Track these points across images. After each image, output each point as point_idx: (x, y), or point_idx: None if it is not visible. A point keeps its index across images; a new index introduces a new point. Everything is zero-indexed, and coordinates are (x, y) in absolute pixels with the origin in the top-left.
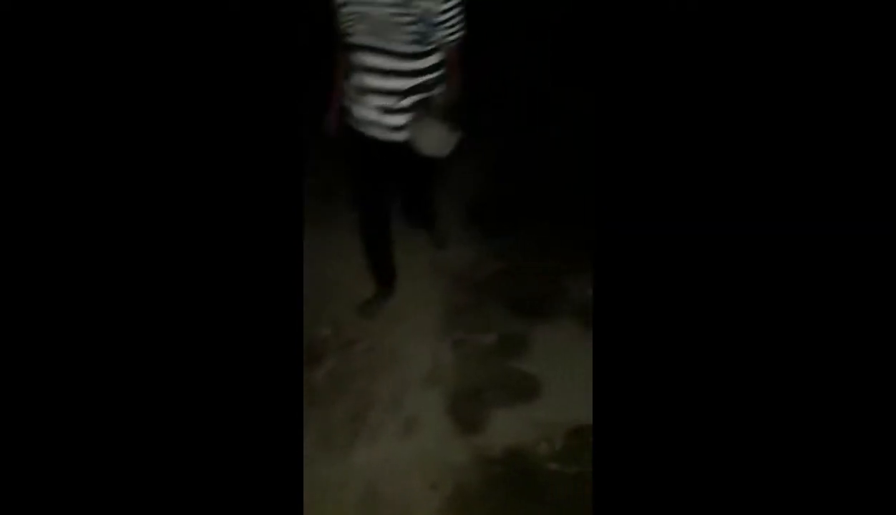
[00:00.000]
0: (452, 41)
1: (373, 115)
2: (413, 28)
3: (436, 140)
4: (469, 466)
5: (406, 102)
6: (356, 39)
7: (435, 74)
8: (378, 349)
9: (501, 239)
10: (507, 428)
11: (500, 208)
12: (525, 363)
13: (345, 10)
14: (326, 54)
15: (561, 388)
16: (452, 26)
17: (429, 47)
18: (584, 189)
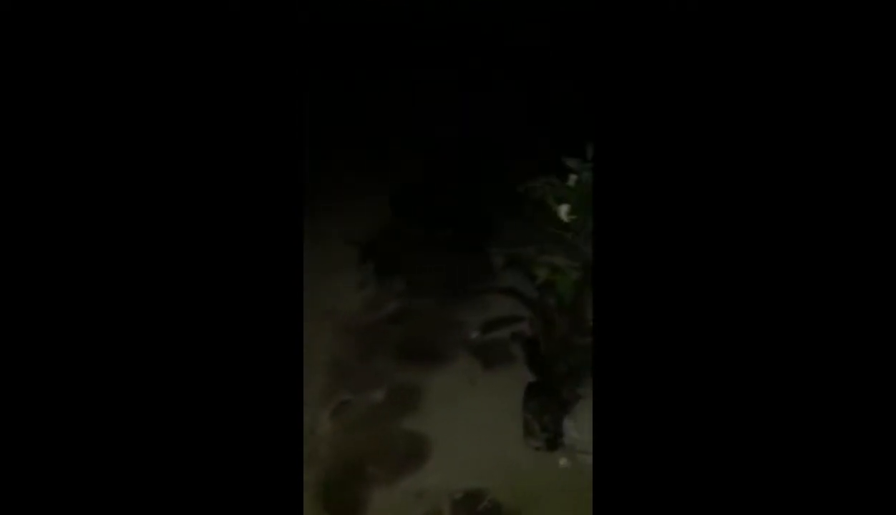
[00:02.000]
0: None
1: None
2: None
3: None
4: None
5: None
6: None
7: None
8: None
9: (396, 277)
10: (388, 506)
11: (396, 242)
12: (415, 420)
13: None
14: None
15: (452, 447)
16: None
17: None
18: (483, 216)
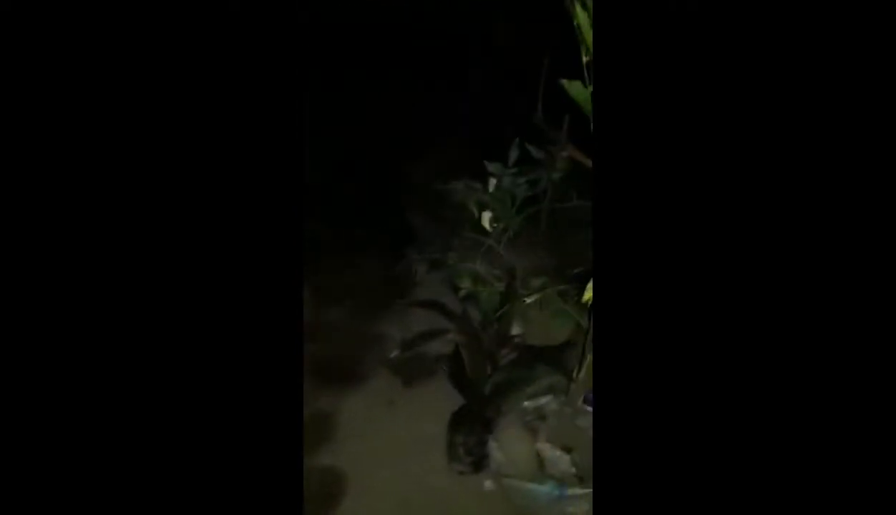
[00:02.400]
0: None
1: None
2: None
3: None
4: None
5: None
6: None
7: None
8: None
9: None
10: None
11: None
12: (329, 453)
13: None
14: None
15: (369, 480)
16: None
17: None
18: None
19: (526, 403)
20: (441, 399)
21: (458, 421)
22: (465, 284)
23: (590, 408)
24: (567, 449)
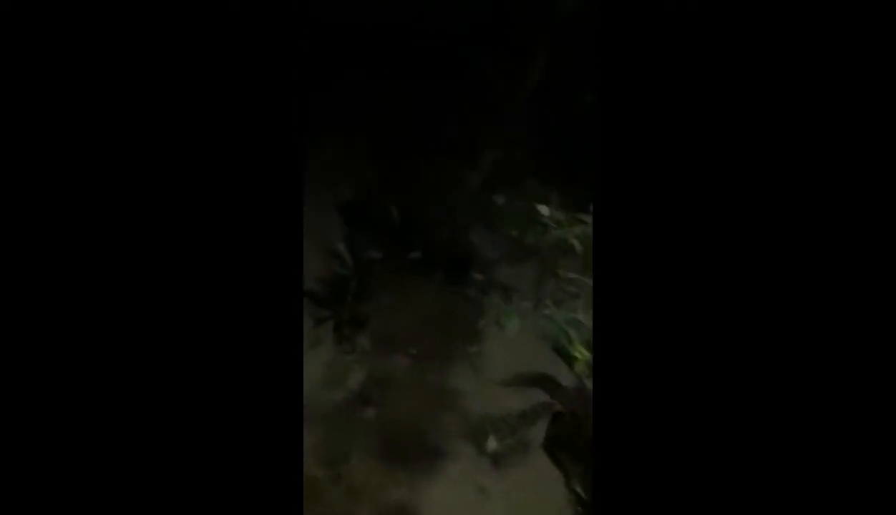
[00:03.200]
0: None
1: None
2: None
3: None
4: None
5: None
6: None
7: None
8: None
9: (359, 330)
10: None
11: (360, 282)
12: None
13: None
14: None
15: None
16: None
17: None
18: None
19: None
20: (541, 481)
21: None
22: (580, 352)
23: None
24: None
